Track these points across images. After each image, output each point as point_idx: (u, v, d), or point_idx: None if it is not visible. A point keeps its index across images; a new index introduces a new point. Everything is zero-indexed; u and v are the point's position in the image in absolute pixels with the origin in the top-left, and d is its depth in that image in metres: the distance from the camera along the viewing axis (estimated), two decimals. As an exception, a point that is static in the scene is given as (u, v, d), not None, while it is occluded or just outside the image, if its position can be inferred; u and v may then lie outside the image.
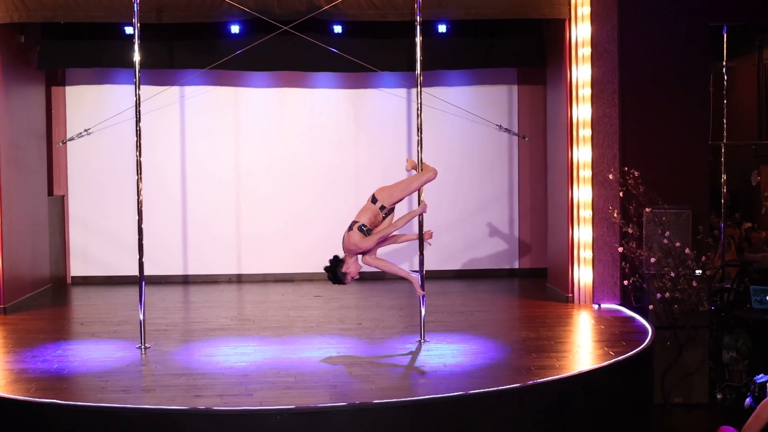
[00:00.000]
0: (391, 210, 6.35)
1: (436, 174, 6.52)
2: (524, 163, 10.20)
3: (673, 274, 7.65)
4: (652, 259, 7.78)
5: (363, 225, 6.20)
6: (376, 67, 8.70)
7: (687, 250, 7.76)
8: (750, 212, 10.67)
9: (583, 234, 8.21)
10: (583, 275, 8.23)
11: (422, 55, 6.95)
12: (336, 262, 6.25)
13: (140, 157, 6.81)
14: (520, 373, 6.00)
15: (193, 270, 9.97)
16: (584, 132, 8.17)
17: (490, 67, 9.63)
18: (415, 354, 6.66)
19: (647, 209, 7.93)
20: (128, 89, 9.20)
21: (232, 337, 7.18)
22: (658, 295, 7.66)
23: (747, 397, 7.51)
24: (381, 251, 6.49)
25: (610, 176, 8.09)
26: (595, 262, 8.15)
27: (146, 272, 6.94)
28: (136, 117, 6.81)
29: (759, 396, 6.88)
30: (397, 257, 8.95)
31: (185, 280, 9.96)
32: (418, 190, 6.91)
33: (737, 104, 10.47)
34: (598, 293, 8.17)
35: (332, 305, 8.55)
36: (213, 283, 9.88)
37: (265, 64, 9.15)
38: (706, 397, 7.74)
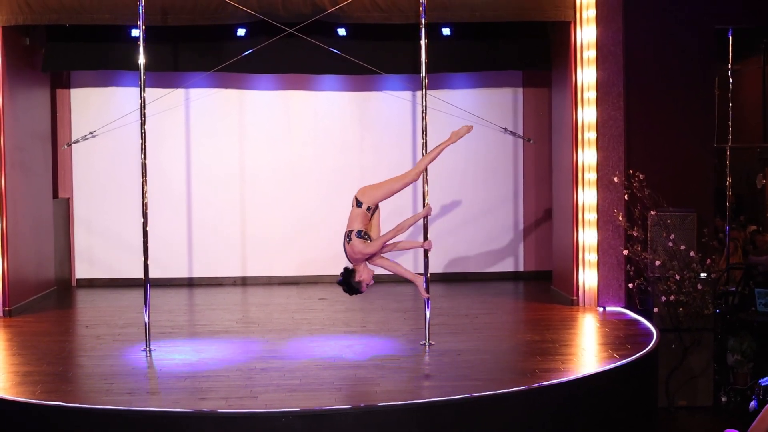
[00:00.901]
0: (376, 207, 6.34)
1: (418, 176, 6.52)
2: (529, 166, 10.20)
3: (677, 277, 7.64)
4: (657, 262, 7.77)
5: (359, 231, 6.21)
6: (381, 70, 8.70)
7: (692, 253, 7.75)
8: (755, 215, 10.64)
9: (588, 237, 8.20)
10: (587, 278, 8.22)
11: (427, 57, 6.95)
12: (347, 273, 6.24)
13: (145, 159, 6.82)
14: (524, 376, 5.99)
15: (198, 273, 9.98)
16: (589, 135, 8.17)
17: (495, 69, 9.63)
18: (420, 357, 6.65)
19: (652, 212, 7.93)
20: (133, 92, 9.23)
21: (237, 340, 7.19)
22: (663, 298, 7.65)
23: (751, 399, 7.50)
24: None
25: (615, 179, 8.09)
26: (600, 265, 8.14)
27: (151, 275, 6.95)
28: (141, 119, 6.82)
29: (763, 399, 6.88)
30: (402, 259, 8.94)
31: (190, 283, 9.97)
32: (424, 193, 6.92)
33: (742, 107, 10.43)
34: (602, 296, 8.16)
35: (337, 308, 8.55)
36: (218, 286, 9.89)
37: (269, 67, 9.16)
38: (711, 400, 7.73)
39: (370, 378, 6.03)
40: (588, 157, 8.19)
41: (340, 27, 8.65)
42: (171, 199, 9.89)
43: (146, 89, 6.87)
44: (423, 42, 6.92)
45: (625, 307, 8.08)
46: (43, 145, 9.25)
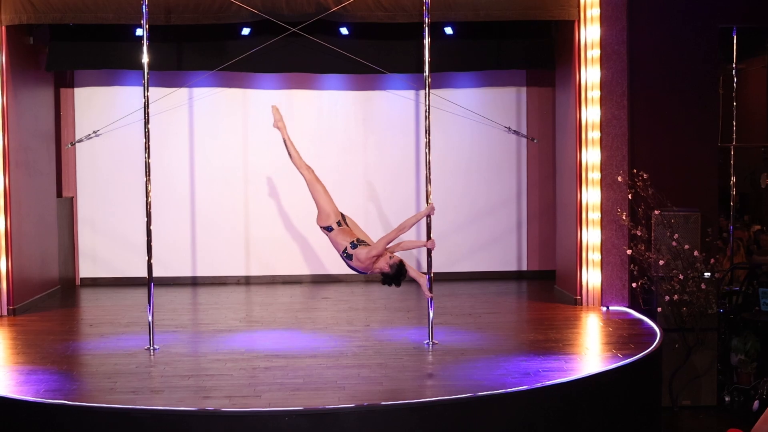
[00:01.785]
0: (343, 216, 6.43)
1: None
2: (533, 165, 10.19)
3: (681, 277, 7.63)
4: (661, 262, 7.76)
5: (352, 242, 6.29)
6: (385, 69, 8.70)
7: (696, 253, 7.74)
8: (759, 215, 10.63)
9: (591, 236, 8.20)
10: (591, 277, 8.21)
11: (430, 56, 6.95)
12: (387, 276, 6.24)
13: (149, 158, 6.83)
14: (528, 375, 5.99)
15: (202, 272, 9.99)
16: (593, 134, 8.16)
17: (498, 68, 9.62)
18: (423, 356, 6.65)
19: (656, 212, 7.92)
20: (137, 91, 9.23)
21: (241, 339, 7.19)
22: (667, 298, 7.64)
23: (755, 399, 7.49)
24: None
25: (619, 178, 8.08)
26: (604, 265, 8.13)
27: (155, 274, 6.97)
28: (145, 119, 6.83)
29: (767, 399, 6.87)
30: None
31: (194, 282, 9.98)
32: (427, 192, 6.92)
33: (747, 106, 10.42)
34: (606, 295, 8.16)
35: (340, 307, 8.56)
36: (221, 285, 9.90)
37: (273, 66, 9.16)
38: (715, 399, 7.72)
39: (373, 377, 6.04)
40: (592, 156, 8.18)
41: (344, 26, 8.65)
42: (174, 198, 9.90)
43: (150, 88, 6.86)
44: (426, 41, 6.91)
45: (628, 307, 8.07)
46: (47, 145, 9.26)
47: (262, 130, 10.04)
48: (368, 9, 7.96)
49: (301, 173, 6.61)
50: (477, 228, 10.16)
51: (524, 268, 10.26)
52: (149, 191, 6.84)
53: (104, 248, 9.95)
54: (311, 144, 10.08)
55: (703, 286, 7.62)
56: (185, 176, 9.98)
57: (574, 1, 8.12)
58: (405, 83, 9.59)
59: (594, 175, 8.17)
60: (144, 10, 6.74)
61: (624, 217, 8.02)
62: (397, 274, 6.26)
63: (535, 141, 9.70)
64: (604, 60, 8.08)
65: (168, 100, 9.17)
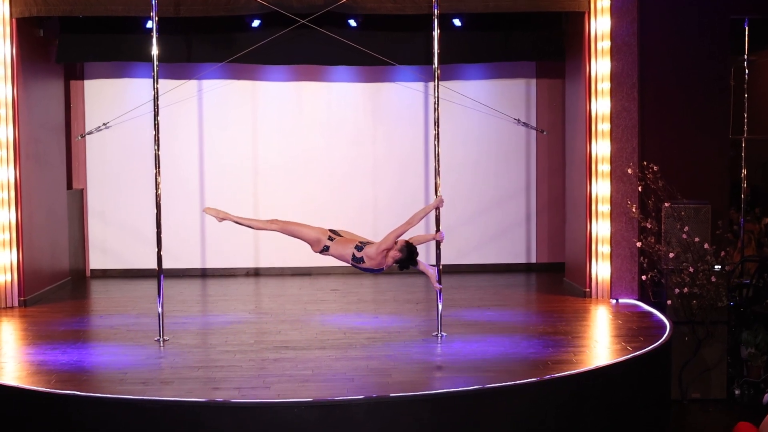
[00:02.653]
0: (334, 231, 6.35)
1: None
2: (542, 157, 10.16)
3: (691, 270, 7.60)
4: (671, 255, 7.73)
5: (357, 245, 6.23)
6: (394, 61, 8.69)
7: (706, 246, 7.70)
8: (770, 207, 10.58)
9: (601, 229, 8.17)
10: (600, 270, 8.19)
11: (440, 48, 6.93)
12: (401, 261, 6.22)
13: (158, 150, 6.84)
14: (537, 367, 5.99)
15: (211, 263, 10.02)
16: (603, 126, 8.12)
17: (508, 60, 9.59)
18: (432, 348, 6.66)
19: (666, 204, 7.88)
20: (146, 83, 9.24)
21: (250, 330, 7.21)
22: (677, 291, 7.61)
23: (765, 393, 7.46)
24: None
25: (629, 171, 8.05)
26: (613, 257, 8.11)
27: (164, 265, 6.99)
28: (155, 110, 6.84)
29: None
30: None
31: (203, 274, 10.00)
32: (436, 184, 6.92)
33: (758, 98, 10.35)
34: (615, 288, 8.14)
35: (349, 299, 8.57)
36: (230, 277, 9.92)
37: (282, 58, 9.16)
38: (724, 392, 7.70)
39: (382, 369, 6.04)
40: (602, 148, 8.15)
41: (352, 18, 8.63)
42: (184, 190, 9.92)
43: (159, 80, 6.88)
44: (435, 33, 6.89)
45: (638, 300, 8.05)
46: (57, 137, 9.29)
47: (271, 122, 10.07)
48: (377, 1, 7.94)
49: (271, 230, 6.50)
50: (486, 220, 10.15)
51: (533, 260, 10.24)
52: (159, 183, 6.85)
53: (114, 240, 9.99)
54: (320, 136, 10.10)
55: (713, 278, 7.59)
56: (195, 168, 9.99)
57: (584, -8, 8.09)
58: (414, 75, 9.57)
59: (604, 167, 8.14)
60: (153, 2, 6.75)
61: (634, 210, 7.99)
62: (410, 253, 6.24)
63: (545, 133, 9.67)
64: (614, 51, 8.04)
65: (177, 92, 9.18)
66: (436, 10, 6.88)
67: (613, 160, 8.10)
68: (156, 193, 6.86)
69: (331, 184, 10.07)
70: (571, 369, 5.93)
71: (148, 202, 8.87)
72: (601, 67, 8.11)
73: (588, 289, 8.28)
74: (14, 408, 5.59)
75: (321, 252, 6.35)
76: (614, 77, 8.05)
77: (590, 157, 8.21)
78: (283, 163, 10.05)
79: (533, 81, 10.10)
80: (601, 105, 8.12)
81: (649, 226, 7.88)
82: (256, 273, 10.08)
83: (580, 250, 8.42)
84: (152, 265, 7.08)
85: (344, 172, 10.09)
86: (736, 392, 7.75)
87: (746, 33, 9.23)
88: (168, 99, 8.69)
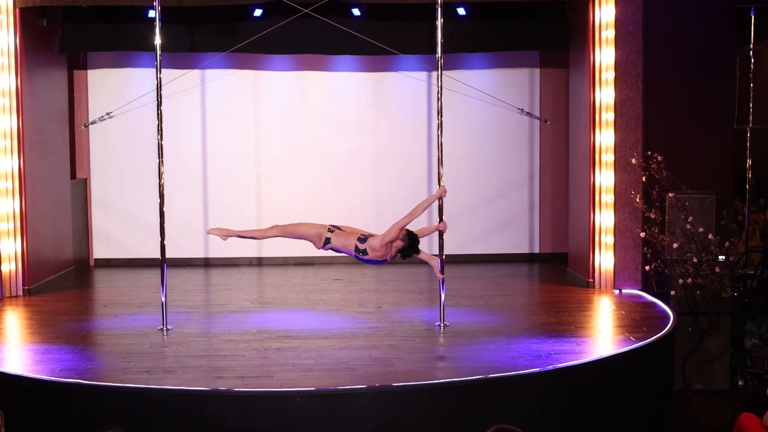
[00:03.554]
0: (335, 225, 6.40)
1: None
2: (546, 147, 10.14)
3: (695, 260, 7.58)
4: (675, 245, 7.71)
5: (359, 237, 6.26)
6: (397, 50, 8.65)
7: (710, 236, 7.68)
8: (775, 197, 10.55)
9: (604, 219, 8.16)
10: (604, 260, 8.18)
11: (443, 37, 6.91)
12: (404, 250, 6.26)
13: (161, 140, 6.85)
14: (539, 357, 5.99)
15: (214, 253, 10.02)
16: (607, 116, 8.10)
17: (511, 50, 9.55)
18: (434, 338, 6.66)
19: (670, 194, 7.86)
20: (149, 72, 9.16)
21: (253, 320, 7.23)
22: (680, 281, 7.59)
23: (769, 383, 7.46)
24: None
25: (633, 161, 8.02)
26: (617, 247, 8.10)
27: (168, 255, 7.00)
28: (158, 100, 6.84)
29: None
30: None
31: (206, 263, 10.02)
32: (439, 174, 6.91)
33: (764, 88, 10.30)
34: (619, 278, 8.13)
35: (352, 289, 8.58)
36: (233, 266, 9.93)
37: (285, 48, 9.13)
38: (728, 383, 7.69)
39: (384, 358, 6.05)
40: (605, 138, 8.12)
41: (356, 7, 8.60)
42: (187, 179, 9.92)
43: (162, 70, 6.88)
44: (439, 22, 6.87)
45: (641, 290, 8.04)
46: (60, 126, 9.29)
47: (273, 111, 10.06)
48: (381, -11, 7.91)
49: (274, 236, 6.57)
50: (489, 210, 10.13)
51: (536, 250, 10.23)
52: (162, 173, 6.86)
53: (118, 229, 10.00)
54: (323, 126, 10.09)
55: (717, 269, 7.57)
56: (197, 157, 9.99)
57: (589, -19, 8.05)
58: (417, 64, 9.54)
59: (607, 157, 8.11)
60: (156, -8, 6.73)
61: (638, 200, 7.97)
62: (411, 241, 6.27)
63: (548, 123, 9.64)
64: (618, 41, 8.00)
65: (180, 81, 9.16)
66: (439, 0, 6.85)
67: (617, 150, 8.07)
68: (159, 182, 6.86)
69: (334, 173, 10.06)
70: (573, 359, 5.93)
71: (151, 191, 8.89)
72: (605, 56, 8.07)
73: (591, 280, 8.27)
74: (18, 397, 5.61)
75: (324, 246, 6.37)
76: (618, 67, 8.02)
77: (594, 147, 8.19)
78: (285, 152, 10.04)
79: (537, 70, 10.06)
80: (605, 94, 8.09)
81: (652, 216, 7.86)
82: (258, 263, 10.09)
83: (584, 241, 8.41)
84: (155, 254, 7.10)
85: (347, 161, 10.07)
86: (740, 383, 7.74)
87: (752, 22, 9.18)
88: (171, 89, 8.67)
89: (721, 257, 7.66)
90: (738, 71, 8.76)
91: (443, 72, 6.98)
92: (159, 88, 6.82)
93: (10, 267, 8.07)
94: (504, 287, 8.64)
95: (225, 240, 6.58)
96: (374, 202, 10.01)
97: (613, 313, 7.45)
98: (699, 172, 8.17)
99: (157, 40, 6.80)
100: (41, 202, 8.56)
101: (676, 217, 7.81)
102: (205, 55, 9.28)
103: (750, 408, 6.22)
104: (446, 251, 7.05)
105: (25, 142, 8.14)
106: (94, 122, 9.35)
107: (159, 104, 6.82)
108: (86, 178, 10.01)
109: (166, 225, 6.93)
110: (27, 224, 8.17)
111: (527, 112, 9.38)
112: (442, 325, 6.88)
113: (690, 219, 7.73)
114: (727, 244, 7.79)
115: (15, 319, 7.47)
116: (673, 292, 7.63)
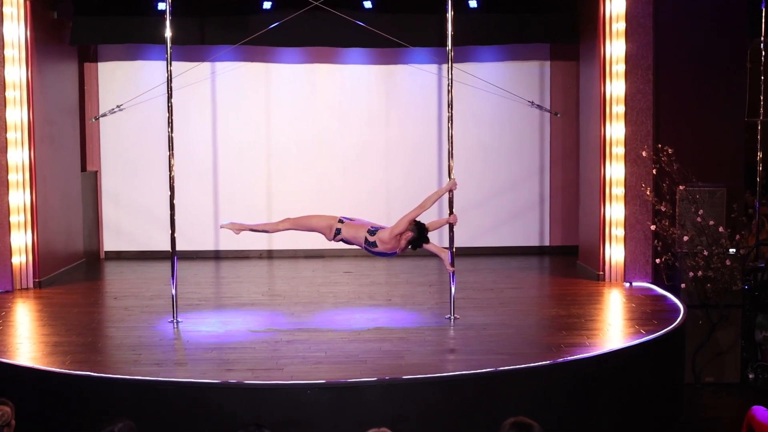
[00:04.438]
0: (341, 221, 6.40)
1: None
2: (556, 140, 10.11)
3: (706, 253, 7.56)
4: (685, 238, 7.68)
5: (369, 230, 6.28)
6: (407, 43, 8.64)
7: (721, 229, 7.65)
8: (786, 191, 10.48)
9: (615, 212, 8.13)
10: (614, 253, 8.16)
11: (453, 30, 6.89)
12: (413, 240, 6.26)
13: (172, 132, 6.85)
14: (550, 350, 5.99)
15: (224, 245, 10.04)
16: (617, 108, 8.06)
17: (522, 42, 9.52)
18: (445, 330, 6.67)
19: (681, 187, 7.83)
20: (160, 65, 9.21)
21: (263, 312, 7.25)
22: (691, 274, 7.57)
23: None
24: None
25: (644, 153, 7.99)
26: (627, 240, 8.08)
27: (178, 248, 7.01)
28: (168, 93, 6.84)
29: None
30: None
31: (216, 256, 10.04)
32: (449, 167, 6.90)
33: (775, 80, 10.24)
34: (629, 271, 8.11)
35: (362, 281, 8.58)
36: (244, 259, 9.95)
37: (295, 40, 9.13)
38: (738, 376, 7.66)
39: (395, 351, 6.06)
40: (616, 131, 8.09)
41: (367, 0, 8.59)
42: (197, 172, 9.94)
43: (173, 63, 6.88)
44: (449, 14, 6.85)
45: (652, 283, 8.02)
46: (71, 119, 9.32)
47: (283, 104, 10.06)
48: (391, -18, 7.90)
49: (285, 229, 6.59)
50: (499, 203, 10.12)
51: (546, 243, 10.22)
52: (172, 165, 6.87)
53: (128, 222, 10.03)
54: (333, 119, 10.08)
55: (727, 262, 7.54)
56: (208, 150, 10.01)
57: (600, -27, 8.01)
58: (428, 57, 9.52)
59: (618, 150, 8.09)
60: (166, -16, 6.73)
61: (648, 193, 7.94)
62: (420, 231, 6.27)
63: (559, 115, 9.61)
64: (629, 33, 7.96)
65: (191, 74, 9.16)
66: (450, -8, 6.83)
67: (628, 142, 8.04)
68: (170, 175, 6.88)
69: (344, 166, 10.06)
70: (584, 352, 5.93)
71: (161, 184, 8.93)
72: (615, 48, 8.03)
73: (601, 272, 8.25)
74: (29, 389, 5.64)
75: (334, 238, 6.39)
76: (629, 59, 7.98)
77: (604, 140, 8.16)
78: (295, 145, 10.04)
79: (547, 63, 10.03)
80: (616, 87, 8.06)
81: (663, 209, 7.83)
82: (269, 255, 10.10)
83: (594, 233, 8.39)
84: (166, 247, 7.11)
85: (357, 154, 10.07)
86: (750, 376, 7.71)
87: (763, 14, 9.11)
88: (181, 81, 8.68)
89: (732, 250, 7.63)
90: (749, 63, 8.70)
91: (454, 64, 6.96)
92: (169, 80, 6.83)
93: (20, 259, 8.11)
94: (514, 280, 8.64)
95: (238, 234, 6.60)
96: (384, 195, 10.01)
97: (623, 306, 7.43)
98: (709, 164, 8.13)
99: (168, 33, 6.80)
100: (52, 194, 8.60)
101: (687, 209, 7.79)
102: (216, 48, 9.28)
103: (760, 401, 6.19)
104: (456, 244, 7.05)
105: (35, 134, 8.17)
106: (104, 115, 9.37)
107: (169, 97, 6.83)
108: (97, 171, 10.04)
109: (176, 217, 6.94)
110: (37, 217, 8.20)
111: (538, 105, 9.35)
112: (452, 317, 6.88)
113: (700, 212, 7.70)
114: (737, 236, 7.75)
115: (25, 311, 7.51)
116: (683, 285, 7.60)
